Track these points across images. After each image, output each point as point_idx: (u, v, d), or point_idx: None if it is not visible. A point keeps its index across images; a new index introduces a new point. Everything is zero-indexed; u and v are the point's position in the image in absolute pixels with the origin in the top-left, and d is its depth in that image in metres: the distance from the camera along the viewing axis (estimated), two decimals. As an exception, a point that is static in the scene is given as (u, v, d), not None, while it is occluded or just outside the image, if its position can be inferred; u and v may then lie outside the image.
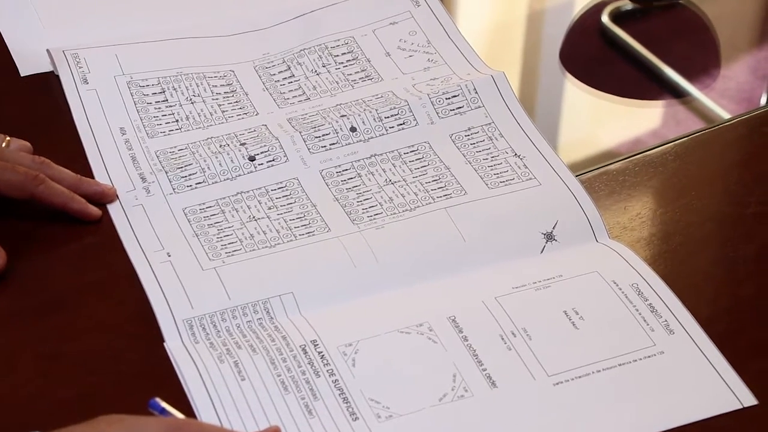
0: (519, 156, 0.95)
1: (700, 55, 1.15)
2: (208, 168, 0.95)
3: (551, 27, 1.19)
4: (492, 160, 0.95)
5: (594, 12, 1.18)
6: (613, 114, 1.09)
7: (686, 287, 0.85)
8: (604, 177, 0.96)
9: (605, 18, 1.17)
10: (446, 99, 0.99)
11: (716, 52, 1.15)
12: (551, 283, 0.86)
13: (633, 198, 0.94)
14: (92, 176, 0.95)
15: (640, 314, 0.84)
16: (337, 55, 1.06)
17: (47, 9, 1.12)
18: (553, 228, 0.90)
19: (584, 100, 1.10)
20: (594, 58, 1.15)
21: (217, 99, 1.02)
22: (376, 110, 0.98)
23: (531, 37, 1.18)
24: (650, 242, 0.90)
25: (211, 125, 1.00)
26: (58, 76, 1.04)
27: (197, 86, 1.03)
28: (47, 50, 1.06)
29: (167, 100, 1.02)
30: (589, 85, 1.10)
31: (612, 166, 0.97)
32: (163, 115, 1.01)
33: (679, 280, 0.86)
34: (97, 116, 1.00)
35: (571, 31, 1.17)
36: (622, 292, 0.85)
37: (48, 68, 1.06)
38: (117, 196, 0.93)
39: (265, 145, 0.96)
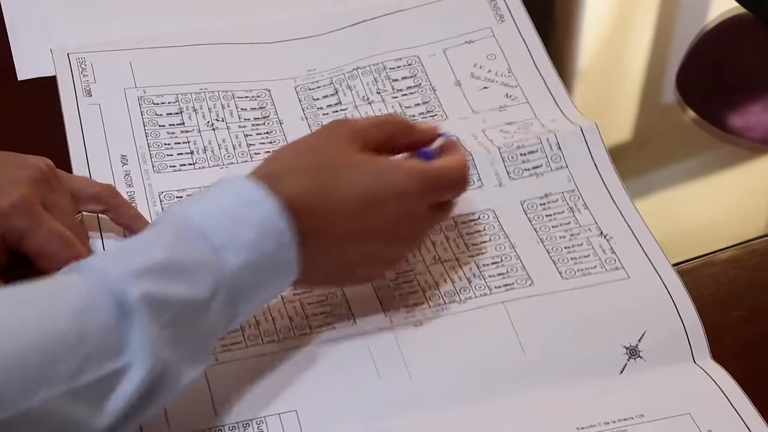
0: (605, 236, 0.76)
1: None
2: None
3: (671, 53, 0.98)
4: (570, 240, 0.76)
5: (719, 31, 0.96)
6: (742, 171, 0.87)
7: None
8: (713, 269, 0.76)
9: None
10: (521, 155, 0.79)
11: None
12: (628, 426, 0.66)
13: (748, 302, 0.74)
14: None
15: (740, 485, 0.64)
16: (396, 80, 0.86)
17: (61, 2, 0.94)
18: (639, 341, 0.70)
19: (707, 152, 0.88)
20: (720, 77, 0.93)
21: (244, 127, 0.84)
22: (433, 162, 0.79)
23: (643, 62, 0.96)
24: (764, 370, 0.70)
25: (231, 163, 0.82)
26: (61, 83, 0.87)
27: (223, 108, 0.85)
28: (51, 50, 0.88)
29: (184, 123, 0.84)
30: (714, 124, 0.88)
31: (724, 254, 0.77)
32: (176, 143, 0.83)
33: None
34: (97, 139, 0.83)
35: (691, 52, 0.95)
36: (720, 450, 0.65)
37: (51, 72, 0.88)
38: None
39: (290, 198, 0.77)
